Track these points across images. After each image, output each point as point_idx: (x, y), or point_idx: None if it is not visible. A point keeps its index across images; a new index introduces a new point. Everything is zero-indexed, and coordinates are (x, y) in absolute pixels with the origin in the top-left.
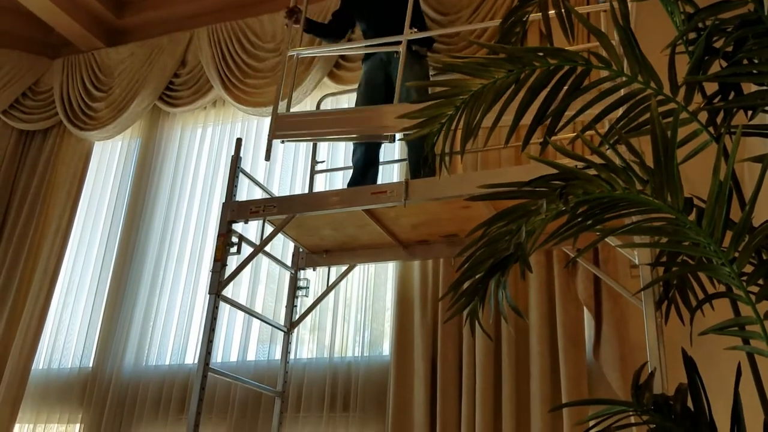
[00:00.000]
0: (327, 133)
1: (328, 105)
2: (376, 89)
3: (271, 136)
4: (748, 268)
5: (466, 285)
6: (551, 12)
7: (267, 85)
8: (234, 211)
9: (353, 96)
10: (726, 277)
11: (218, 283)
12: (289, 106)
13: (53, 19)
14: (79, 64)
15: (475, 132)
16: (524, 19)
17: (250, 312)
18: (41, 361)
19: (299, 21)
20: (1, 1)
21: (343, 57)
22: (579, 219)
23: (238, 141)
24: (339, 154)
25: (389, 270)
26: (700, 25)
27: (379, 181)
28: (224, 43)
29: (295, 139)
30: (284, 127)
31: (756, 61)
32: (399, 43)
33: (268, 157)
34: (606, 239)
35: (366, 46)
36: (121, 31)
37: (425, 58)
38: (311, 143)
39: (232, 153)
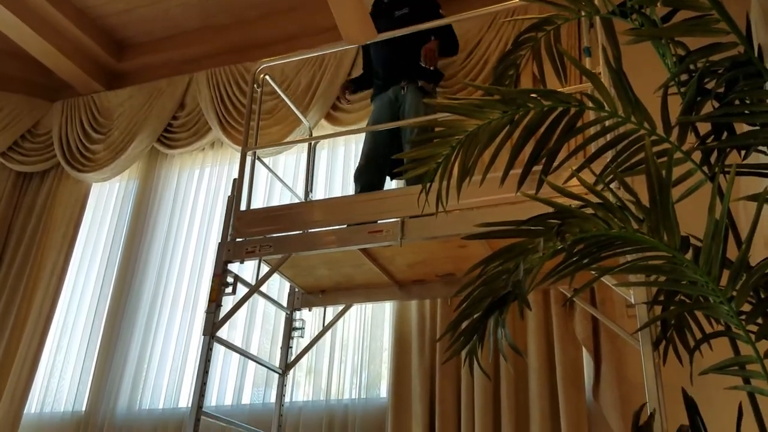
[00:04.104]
0: (293, 227)
1: (324, 150)
2: (382, 130)
3: (236, 234)
4: (747, 307)
5: (464, 325)
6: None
7: (265, 127)
8: (230, 251)
9: (348, 138)
10: (724, 315)
11: (213, 324)
12: (249, 203)
13: (53, 62)
14: (79, 106)
15: (471, 171)
16: (518, 62)
17: (244, 353)
18: (34, 404)
19: (350, 91)
20: (2, 45)
21: (340, 98)
22: (576, 258)
23: (235, 181)
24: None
25: (386, 310)
26: (692, 66)
27: None
28: (223, 86)
29: (256, 236)
30: (248, 225)
31: (747, 101)
32: (397, 81)
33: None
34: (602, 279)
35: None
36: (120, 75)
37: (434, 93)
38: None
39: (229, 193)
